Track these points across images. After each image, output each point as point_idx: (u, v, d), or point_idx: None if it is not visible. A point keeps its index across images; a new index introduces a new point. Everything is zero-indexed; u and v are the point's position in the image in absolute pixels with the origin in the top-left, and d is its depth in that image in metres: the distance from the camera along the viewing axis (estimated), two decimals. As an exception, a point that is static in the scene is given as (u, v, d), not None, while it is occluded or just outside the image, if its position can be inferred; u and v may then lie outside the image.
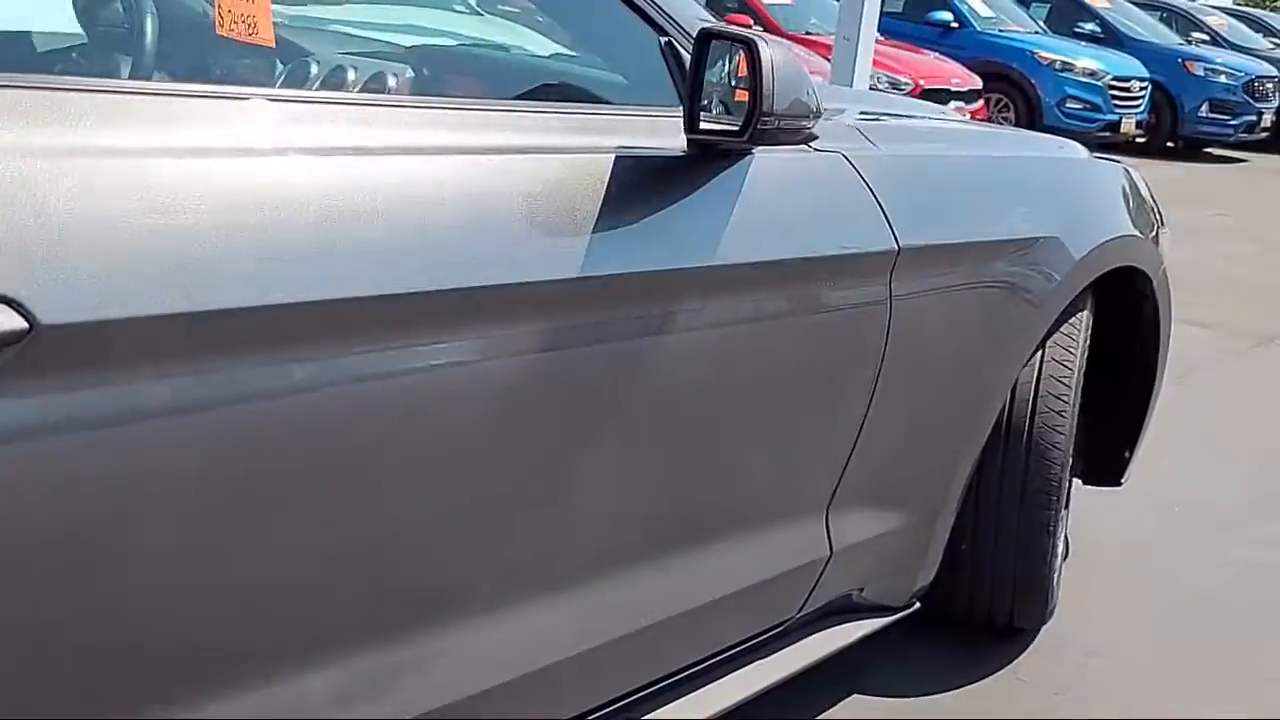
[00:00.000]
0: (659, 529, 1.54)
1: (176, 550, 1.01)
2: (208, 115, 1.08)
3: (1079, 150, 2.46)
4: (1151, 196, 2.49)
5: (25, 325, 0.86)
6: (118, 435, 0.93)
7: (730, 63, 1.39)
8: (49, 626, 0.95)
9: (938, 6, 10.96)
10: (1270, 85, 12.67)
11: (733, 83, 1.39)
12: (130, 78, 1.54)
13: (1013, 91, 10.54)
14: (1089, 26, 12.60)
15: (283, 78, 1.64)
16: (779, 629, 1.82)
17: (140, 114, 1.02)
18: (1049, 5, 13.11)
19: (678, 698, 1.65)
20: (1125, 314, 2.35)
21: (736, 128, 1.32)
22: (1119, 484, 2.55)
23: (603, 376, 1.35)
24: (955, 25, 10.83)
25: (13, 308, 0.86)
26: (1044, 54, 10.89)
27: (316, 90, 1.60)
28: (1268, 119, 12.62)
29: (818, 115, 1.39)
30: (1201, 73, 12.20)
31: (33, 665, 0.95)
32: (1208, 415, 3.70)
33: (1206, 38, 14.11)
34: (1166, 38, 13.22)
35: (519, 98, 1.55)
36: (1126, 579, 2.59)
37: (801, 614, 1.84)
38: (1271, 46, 15.13)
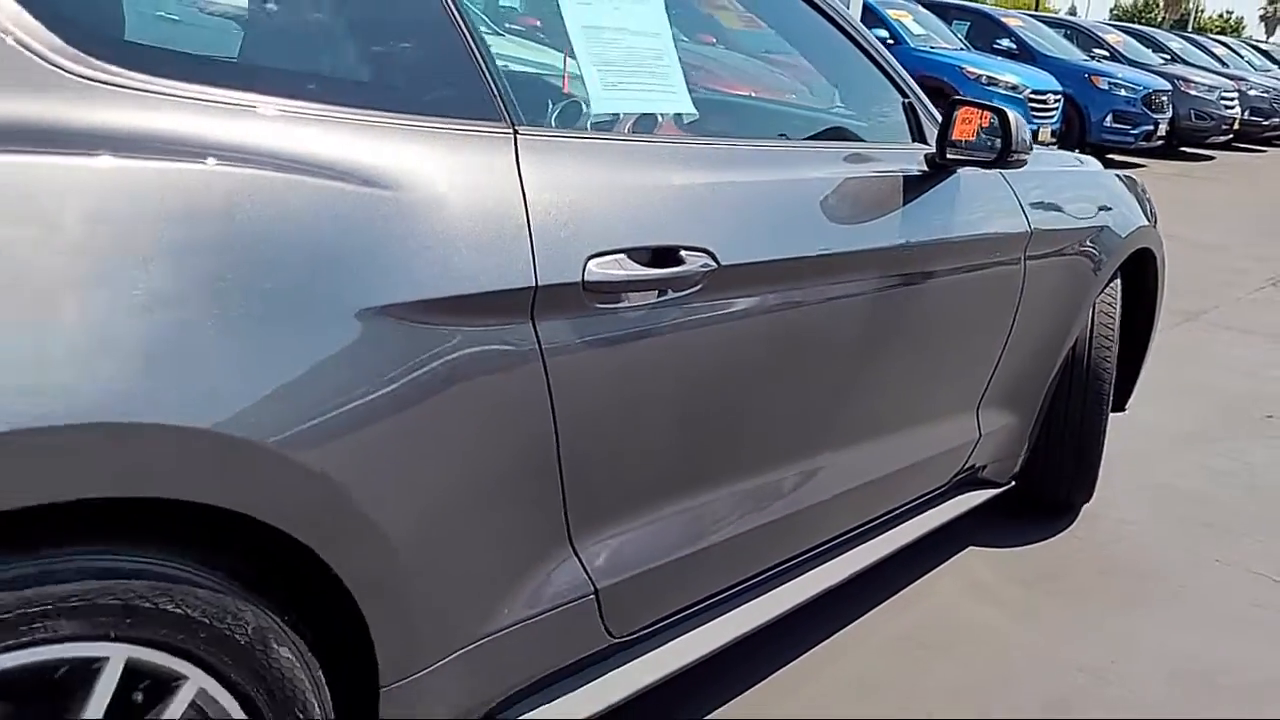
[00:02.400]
0: (892, 414, 2.40)
1: (755, 387, 1.85)
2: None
3: (1096, 163, 3.40)
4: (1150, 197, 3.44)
5: (715, 264, 1.70)
6: (736, 323, 1.77)
7: (951, 119, 2.26)
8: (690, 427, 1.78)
9: (874, 25, 12.01)
10: (1165, 98, 14.03)
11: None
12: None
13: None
14: (1005, 43, 13.83)
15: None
16: (940, 490, 2.70)
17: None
18: (969, 23, 14.32)
19: (879, 535, 2.49)
20: (1135, 284, 3.28)
21: (990, 158, 2.20)
22: (1124, 410, 3.49)
23: (890, 310, 2.22)
24: (891, 42, 11.89)
25: (709, 255, 1.69)
26: (970, 69, 12.01)
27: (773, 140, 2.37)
28: (1162, 128, 13.97)
29: (1029, 150, 2.28)
30: (1106, 86, 13.50)
31: (681, 457, 1.78)
32: (1159, 372, 4.70)
33: (1106, 53, 15.50)
34: (1073, 53, 14.54)
35: (817, 137, 2.41)
36: (1130, 476, 3.53)
37: (952, 480, 2.72)
38: (1162, 61, 16.62)
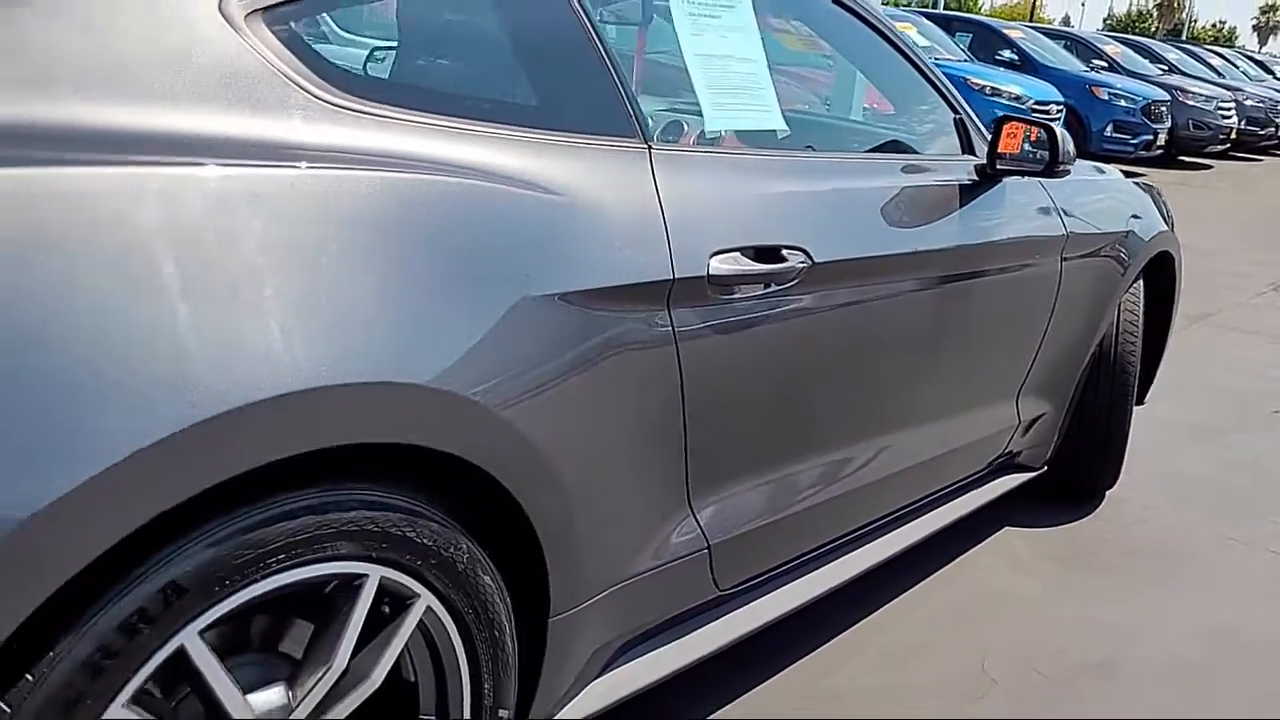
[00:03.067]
0: (946, 399, 2.64)
1: (838, 370, 2.10)
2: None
3: (1117, 172, 3.65)
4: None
5: (810, 261, 1.95)
6: (825, 313, 2.02)
7: (999, 134, 2.52)
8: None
9: (881, 37, 12.27)
10: (1164, 108, 14.34)
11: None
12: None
13: (949, 113, 11.92)
14: (1007, 54, 14.14)
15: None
16: (982, 472, 2.95)
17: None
18: (971, 34, 14.62)
19: (931, 511, 2.74)
20: (1155, 284, 3.53)
21: (1039, 169, 2.46)
22: (1142, 403, 3.74)
23: (946, 305, 2.47)
24: (897, 54, 12.16)
25: (805, 253, 1.94)
26: (975, 80, 12.29)
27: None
28: (1161, 138, 14.27)
29: (1073, 161, 2.53)
30: (1106, 97, 13.80)
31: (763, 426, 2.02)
32: (1172, 370, 4.96)
33: (1105, 64, 15.82)
34: (1073, 64, 14.84)
35: (885, 149, 2.66)
36: (1149, 465, 3.78)
37: (994, 463, 2.97)
38: (1160, 72, 16.94)
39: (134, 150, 1.18)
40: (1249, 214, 11.66)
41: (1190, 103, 15.67)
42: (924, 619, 2.67)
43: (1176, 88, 15.58)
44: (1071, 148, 2.50)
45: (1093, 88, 13.88)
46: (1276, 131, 19.11)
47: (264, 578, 1.22)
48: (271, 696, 1.29)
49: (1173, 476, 3.77)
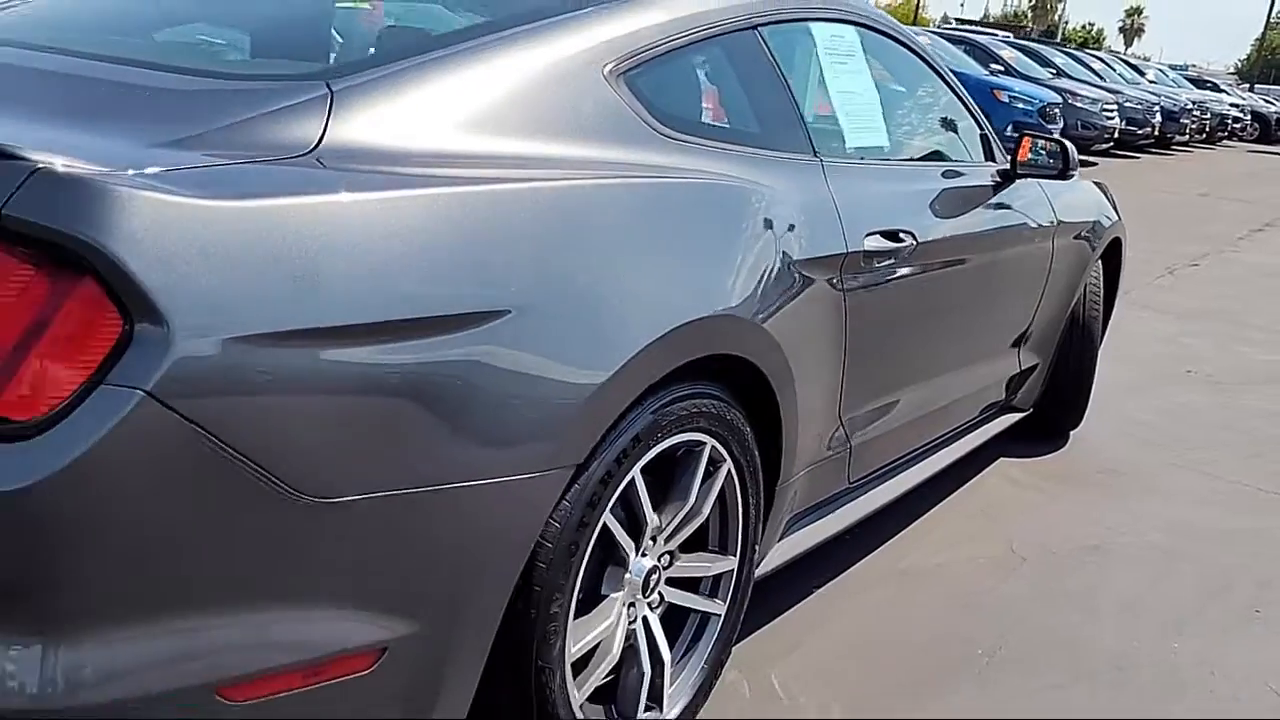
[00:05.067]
0: (980, 346, 3.42)
1: (927, 320, 2.86)
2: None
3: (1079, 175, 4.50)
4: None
5: (916, 242, 2.69)
6: (922, 278, 2.77)
7: (1019, 145, 3.31)
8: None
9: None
10: (1057, 110, 15.55)
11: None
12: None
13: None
14: (915, 59, 15.14)
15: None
16: (987, 412, 3.75)
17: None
18: (882, 40, 15.58)
19: (964, 437, 3.53)
20: (1107, 264, 4.37)
21: (1056, 171, 3.26)
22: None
23: (982, 273, 3.24)
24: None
25: (913, 235, 2.69)
26: (891, 84, 13.25)
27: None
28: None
29: (1077, 167, 3.33)
30: (1006, 100, 14.92)
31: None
32: (1105, 341, 5.88)
33: (1002, 68, 16.99)
34: (974, 68, 15.94)
35: (941, 158, 3.41)
36: (1099, 413, 4.63)
37: (998, 404, 3.77)
38: (1050, 75, 18.22)
39: (558, 167, 1.83)
40: (1137, 205, 12.81)
41: (1079, 105, 16.95)
42: (960, 519, 3.46)
43: (1067, 90, 16.84)
44: (1077, 157, 3.31)
45: (994, 91, 14.98)
46: (1153, 131, 20.63)
47: (665, 439, 1.91)
48: (654, 520, 1.98)
49: (1121, 420, 4.64)
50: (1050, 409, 4.15)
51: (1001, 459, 4.03)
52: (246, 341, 1.32)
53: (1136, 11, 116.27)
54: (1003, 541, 3.34)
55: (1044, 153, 3.28)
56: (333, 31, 2.23)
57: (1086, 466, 4.07)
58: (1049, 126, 15.14)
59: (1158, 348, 6.05)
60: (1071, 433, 4.34)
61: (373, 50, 2.04)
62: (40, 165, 1.24)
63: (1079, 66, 20.69)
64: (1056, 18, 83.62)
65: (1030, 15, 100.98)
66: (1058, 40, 58.98)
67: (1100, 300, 4.14)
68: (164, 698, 1.34)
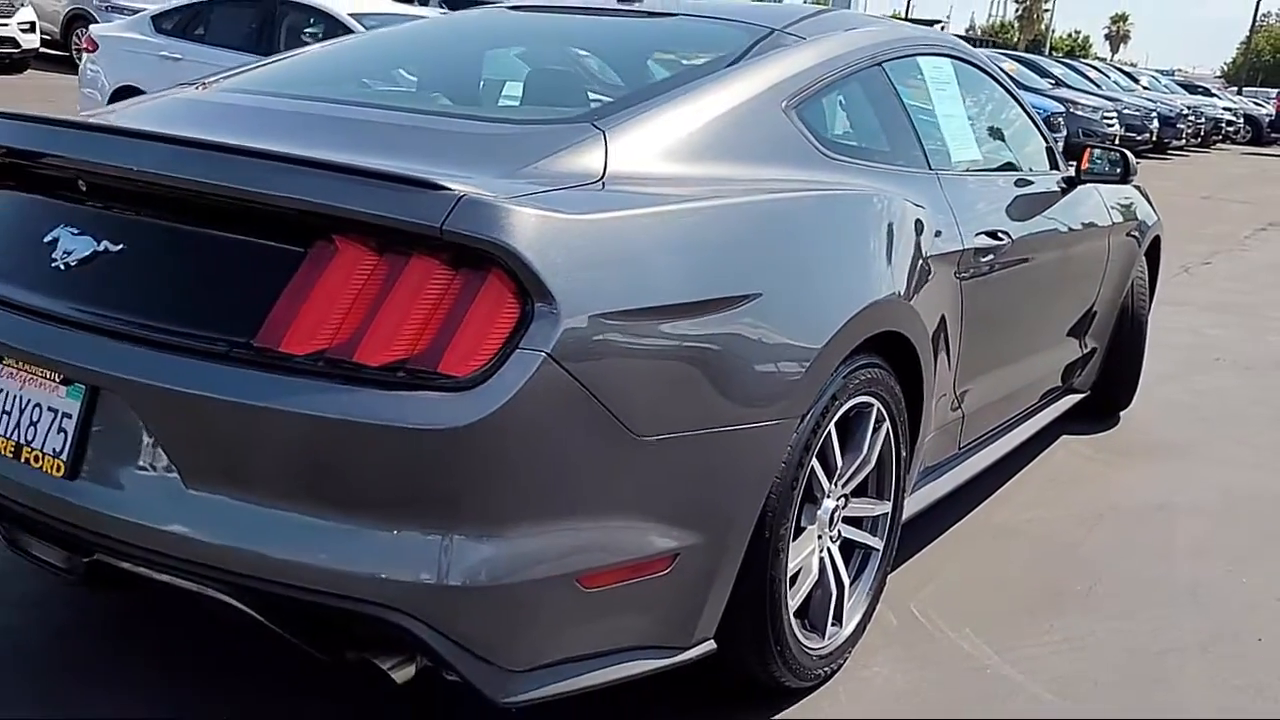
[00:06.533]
0: (1054, 332, 3.89)
1: (1018, 307, 3.33)
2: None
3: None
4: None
5: (1009, 240, 3.17)
6: (1014, 270, 3.24)
7: (1082, 155, 3.80)
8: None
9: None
10: (1060, 119, 16.09)
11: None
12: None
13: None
14: (923, 74, 15.70)
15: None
16: (1050, 395, 4.22)
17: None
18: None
19: (1038, 414, 4.00)
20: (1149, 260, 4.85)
21: (1118, 176, 3.74)
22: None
23: (1054, 266, 3.71)
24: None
25: (1008, 235, 3.17)
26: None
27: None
28: (1059, 146, 15.97)
29: (1136, 173, 3.82)
30: (1012, 110, 15.43)
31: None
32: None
33: (1005, 80, 17.52)
34: (979, 82, 16.47)
35: (1003, 168, 3.89)
36: (1143, 397, 5.10)
37: (1064, 385, 4.25)
38: (1050, 85, 18.79)
39: (767, 184, 2.31)
40: (1145, 210, 13.34)
41: (1080, 113, 17.54)
42: (1038, 486, 3.93)
43: (1068, 100, 17.42)
44: (1136, 165, 3.80)
45: (1000, 102, 15.49)
46: (1151, 136, 21.21)
47: (850, 399, 2.38)
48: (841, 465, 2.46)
49: (1163, 402, 5.12)
50: (1105, 391, 4.61)
51: (1064, 436, 4.49)
52: (603, 317, 1.79)
53: (1121, 18, 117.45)
54: (1078, 503, 3.81)
55: (1104, 161, 3.77)
56: (579, 82, 2.72)
57: (1140, 441, 4.54)
58: (1054, 135, 15.67)
59: (1186, 338, 6.53)
60: (1122, 413, 4.81)
61: (612, 97, 2.51)
62: (464, 193, 1.71)
63: (1076, 76, 21.28)
64: (1043, 27, 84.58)
65: (1017, 26, 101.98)
66: (1045, 50, 59.71)
67: (1146, 291, 4.62)
68: (544, 582, 1.81)
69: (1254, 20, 66.45)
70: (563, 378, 1.73)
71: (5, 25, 15.32)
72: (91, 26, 11.47)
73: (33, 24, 15.76)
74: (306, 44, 8.67)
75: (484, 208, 1.72)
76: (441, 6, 16.55)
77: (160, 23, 8.92)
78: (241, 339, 1.76)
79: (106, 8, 17.15)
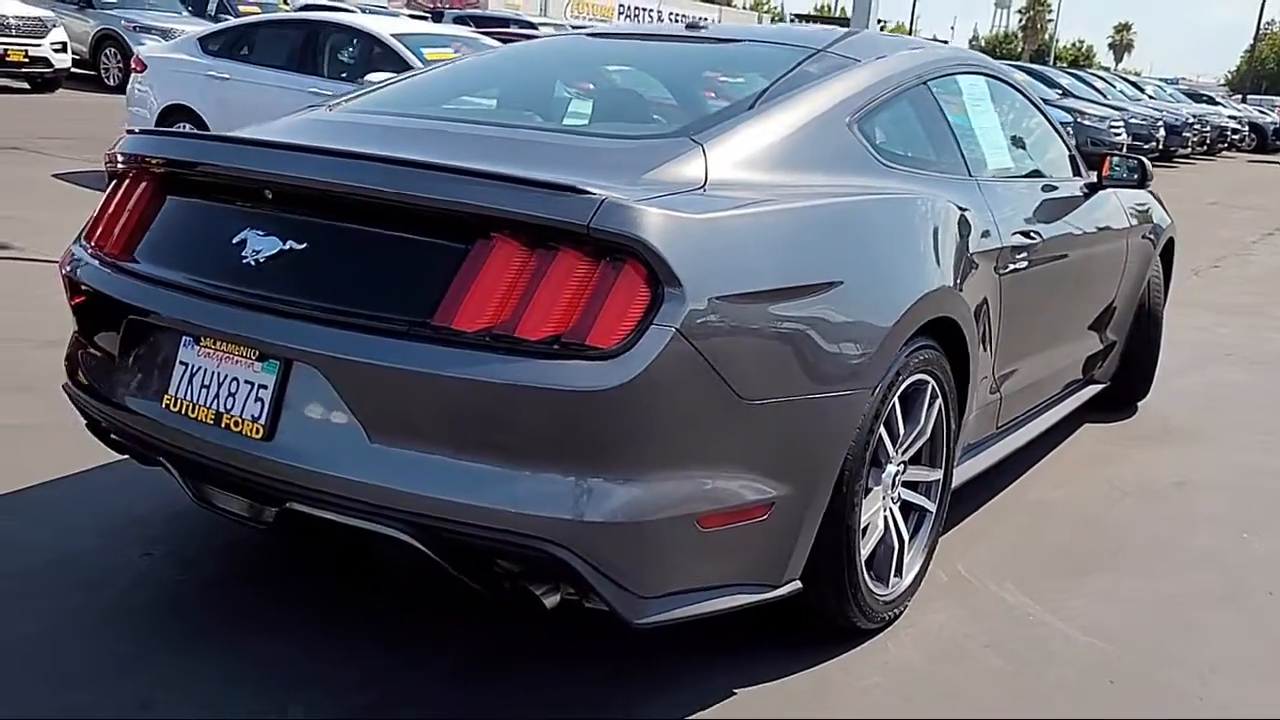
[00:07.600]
0: (1078, 325, 4.23)
1: (1048, 301, 3.68)
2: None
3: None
4: (1162, 204, 5.39)
5: (1041, 239, 3.52)
6: (1043, 266, 3.59)
7: (1102, 163, 4.15)
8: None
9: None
10: (1068, 129, 16.43)
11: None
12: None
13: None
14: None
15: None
16: (1073, 385, 4.56)
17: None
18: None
19: (1062, 402, 4.34)
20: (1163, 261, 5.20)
21: (1136, 181, 4.09)
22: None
23: (1078, 264, 4.06)
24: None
25: (1039, 234, 3.52)
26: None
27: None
28: (1069, 154, 16.34)
29: (1153, 179, 4.17)
30: (1022, 121, 15.78)
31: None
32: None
33: (1014, 91, 17.89)
34: (989, 93, 16.84)
35: (1030, 175, 4.24)
36: (1157, 390, 5.43)
37: (1087, 375, 4.59)
38: (1057, 96, 19.15)
39: (839, 189, 2.67)
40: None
41: (1088, 123, 17.90)
42: (1065, 467, 4.27)
43: (1076, 110, 17.78)
44: (1152, 169, 4.15)
45: (1010, 113, 15.86)
46: (1157, 145, 21.55)
47: (910, 376, 2.72)
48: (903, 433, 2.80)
49: (1178, 394, 5.46)
50: (1124, 382, 4.95)
51: (1085, 424, 4.84)
52: (717, 299, 2.14)
53: (1125, 27, 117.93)
54: (1104, 481, 4.15)
55: (1123, 167, 4.12)
56: (669, 100, 3.09)
57: (1157, 428, 4.88)
58: (1062, 145, 16.03)
59: (1198, 336, 6.87)
60: (1139, 404, 5.15)
61: (701, 114, 2.87)
62: (606, 197, 2.07)
63: (1083, 86, 21.65)
64: (1047, 37, 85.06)
65: (1021, 36, 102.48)
66: (1049, 60, 60.11)
67: (1162, 289, 4.96)
68: (671, 521, 2.16)
69: (1258, 28, 66.83)
70: (687, 349, 2.09)
71: (38, 45, 15.74)
72: (137, 48, 11.88)
73: (65, 44, 16.18)
74: (348, 64, 9.08)
75: (623, 209, 2.07)
76: (467, 24, 16.98)
77: (207, 44, 9.30)
78: (420, 319, 2.12)
79: (135, 28, 17.65)
